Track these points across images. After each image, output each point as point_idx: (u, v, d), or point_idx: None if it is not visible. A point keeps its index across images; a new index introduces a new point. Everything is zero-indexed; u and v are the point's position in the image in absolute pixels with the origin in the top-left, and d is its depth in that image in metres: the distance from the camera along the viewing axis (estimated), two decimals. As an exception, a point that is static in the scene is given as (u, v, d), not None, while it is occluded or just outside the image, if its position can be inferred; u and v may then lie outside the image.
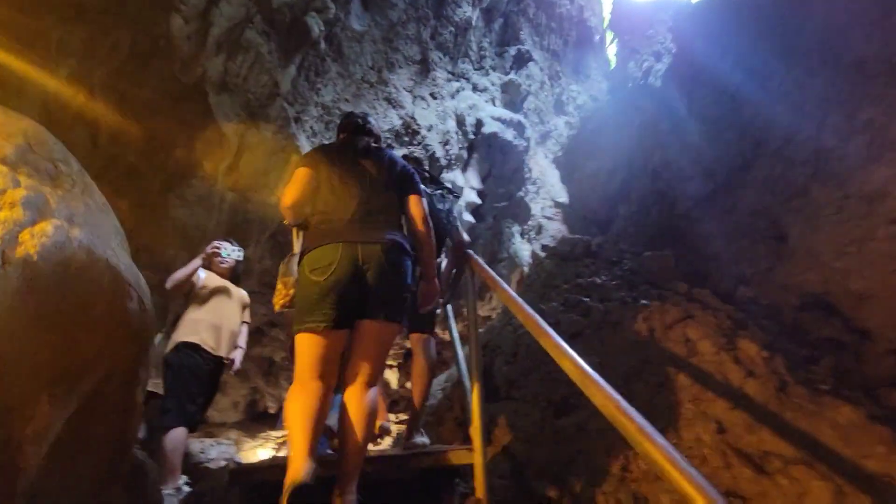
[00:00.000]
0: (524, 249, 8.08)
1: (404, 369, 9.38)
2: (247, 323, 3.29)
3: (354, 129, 2.00)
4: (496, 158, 7.25)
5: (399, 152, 6.40)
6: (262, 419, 7.53)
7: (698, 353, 2.45)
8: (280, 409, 4.11)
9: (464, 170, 7.23)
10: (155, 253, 4.63)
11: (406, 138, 6.41)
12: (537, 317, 1.48)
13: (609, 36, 13.50)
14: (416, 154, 6.48)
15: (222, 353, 2.91)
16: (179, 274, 2.89)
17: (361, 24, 5.74)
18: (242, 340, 3.18)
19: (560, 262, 3.83)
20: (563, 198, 7.93)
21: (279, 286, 1.85)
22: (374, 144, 1.99)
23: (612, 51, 13.25)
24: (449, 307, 2.97)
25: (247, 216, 4.77)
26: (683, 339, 2.56)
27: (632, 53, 11.72)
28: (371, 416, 1.60)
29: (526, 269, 7.45)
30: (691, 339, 2.54)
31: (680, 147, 4.95)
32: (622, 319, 2.77)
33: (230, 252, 3.13)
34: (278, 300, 1.84)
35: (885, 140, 3.22)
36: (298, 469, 1.35)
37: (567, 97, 10.83)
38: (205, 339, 2.82)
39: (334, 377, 1.63)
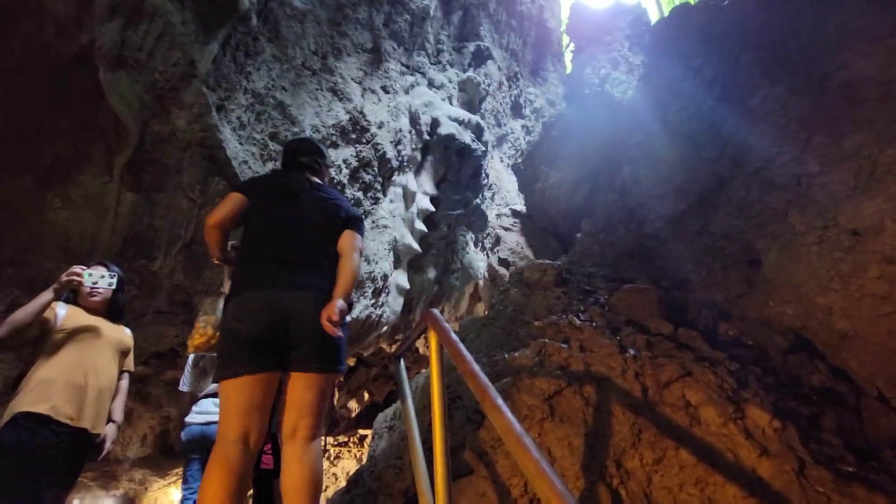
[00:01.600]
0: (479, 260, 7.67)
1: (344, 387, 8.70)
2: (129, 373, 2.55)
3: (295, 163, 1.96)
4: (452, 162, 6.76)
5: (346, 151, 5.72)
6: (174, 454, 6.55)
7: (702, 421, 2.06)
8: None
9: (417, 173, 6.67)
10: (26, 267, 3.68)
11: (353, 135, 5.74)
12: (493, 393, 1.00)
13: (565, 40, 13.44)
14: (364, 154, 5.83)
15: (86, 423, 2.17)
16: (21, 314, 2.11)
17: (304, 2, 5.00)
18: (119, 407, 2.44)
19: (527, 290, 3.37)
20: (521, 206, 7.59)
21: (199, 325, 2.11)
22: (316, 180, 1.93)
23: (568, 56, 13.20)
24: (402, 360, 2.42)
25: (152, 223, 3.93)
26: (683, 404, 2.15)
27: (588, 59, 11.68)
28: (316, 477, 1.51)
29: (481, 281, 7.05)
30: (692, 404, 2.15)
31: (651, 162, 4.67)
32: (609, 374, 2.33)
33: (97, 279, 2.36)
34: (196, 341, 2.07)
35: (875, 170, 3.03)
36: None
37: (525, 100, 10.56)
38: (58, 407, 2.08)
39: (260, 433, 1.53)
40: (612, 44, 11.10)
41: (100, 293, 2.41)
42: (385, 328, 6.40)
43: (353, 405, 8.82)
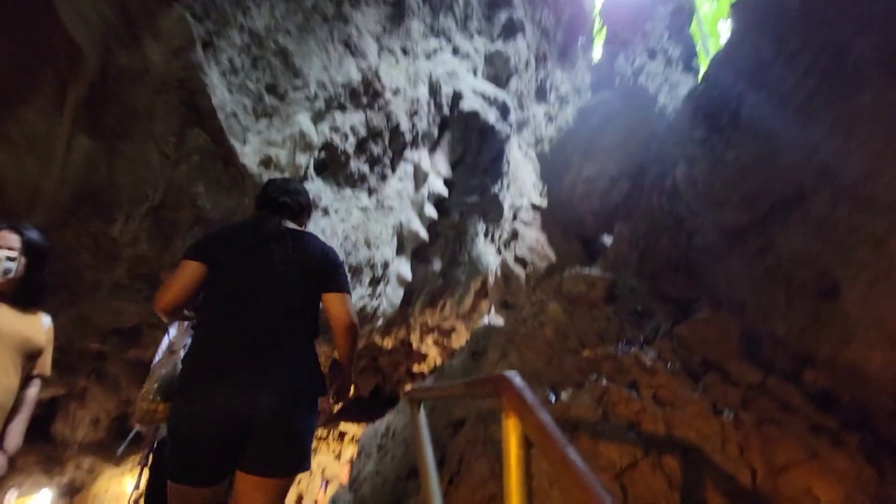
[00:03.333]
0: (488, 254, 7.05)
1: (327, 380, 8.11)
2: (41, 378, 1.92)
3: (272, 203, 1.72)
4: (472, 143, 6.07)
5: (354, 117, 5.02)
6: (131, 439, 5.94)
7: None
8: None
9: (431, 151, 5.99)
10: (-52, 217, 2.98)
11: (364, 99, 5.03)
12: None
13: (598, 24, 12.64)
14: (375, 122, 5.13)
15: None
16: None
17: (321, -70, 4.26)
18: (16, 429, 1.80)
19: (569, 306, 2.74)
20: (538, 200, 6.95)
21: (145, 391, 1.67)
22: (290, 226, 1.68)
23: (599, 41, 12.41)
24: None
25: (113, 178, 3.23)
26: (811, 502, 1.53)
27: (622, 47, 10.94)
28: None
29: (491, 278, 6.45)
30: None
31: (713, 163, 4.03)
32: (701, 445, 1.72)
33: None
34: (140, 411, 1.64)
35: None
36: None
37: (550, 84, 9.84)
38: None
39: None
40: (650, 32, 10.37)
41: (-5, 272, 1.75)
42: (380, 321, 5.80)
43: (336, 398, 8.26)
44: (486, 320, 8.06)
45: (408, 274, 5.94)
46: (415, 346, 8.49)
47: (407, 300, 6.19)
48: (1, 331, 1.72)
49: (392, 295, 5.83)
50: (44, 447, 5.72)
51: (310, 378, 1.48)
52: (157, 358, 2.22)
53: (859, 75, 3.18)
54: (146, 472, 2.54)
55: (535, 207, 6.23)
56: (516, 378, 0.91)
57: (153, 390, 1.59)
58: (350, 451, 9.09)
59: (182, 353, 1.69)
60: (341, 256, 5.23)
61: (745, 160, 3.82)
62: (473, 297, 7.03)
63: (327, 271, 1.59)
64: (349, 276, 5.23)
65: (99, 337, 4.72)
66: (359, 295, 5.37)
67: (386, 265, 5.62)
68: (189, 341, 1.64)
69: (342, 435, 8.98)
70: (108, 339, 4.86)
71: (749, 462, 1.68)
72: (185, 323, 2.18)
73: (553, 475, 0.80)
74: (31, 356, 1.84)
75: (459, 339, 8.58)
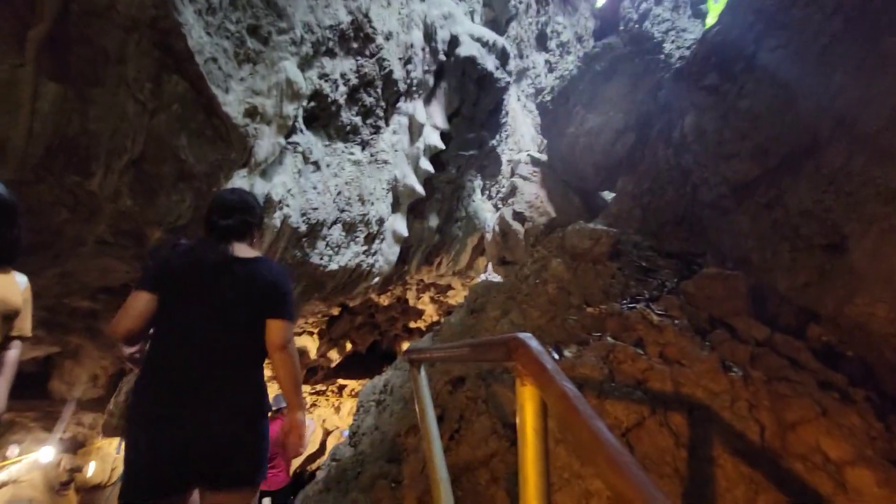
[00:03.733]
0: (485, 210, 6.91)
1: (325, 336, 8.15)
2: (19, 339, 1.81)
3: (217, 228, 1.67)
4: (469, 92, 5.78)
5: (344, 64, 4.71)
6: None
7: (850, 488, 1.43)
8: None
9: (427, 101, 5.70)
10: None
11: (355, 45, 4.71)
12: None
13: (603, -36, 11.85)
14: (366, 70, 4.83)
15: None
16: None
17: None
18: (1, 388, 1.71)
19: (572, 262, 2.66)
20: (538, 154, 6.73)
21: (114, 404, 1.90)
22: (238, 254, 1.63)
23: (603, -17, 11.67)
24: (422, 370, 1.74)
25: (86, 127, 3.02)
26: (820, 459, 1.51)
27: (629, -10, 10.33)
28: None
29: (488, 234, 6.34)
30: (833, 461, 1.50)
31: (724, 112, 3.84)
32: (709, 402, 1.68)
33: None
34: (110, 426, 2.08)
35: None
36: None
37: (552, 30, 9.32)
38: None
39: None
40: (660, -28, 9.77)
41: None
42: (376, 279, 5.73)
43: (334, 355, 8.35)
44: (483, 277, 8.03)
45: (403, 230, 5.82)
46: (411, 302, 8.50)
47: (403, 257, 6.10)
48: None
49: (388, 252, 5.74)
50: (41, 404, 5.76)
51: (255, 402, 1.59)
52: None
53: (889, 15, 2.96)
54: None
55: (534, 161, 6.04)
56: (532, 341, 0.82)
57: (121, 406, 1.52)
58: (349, 404, 9.31)
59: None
60: (334, 214, 5.09)
61: (758, 109, 3.63)
62: (470, 254, 6.96)
63: (273, 299, 1.63)
64: (343, 233, 5.11)
65: (88, 295, 4.63)
66: (354, 252, 5.27)
67: (381, 221, 5.48)
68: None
69: (341, 388, 9.17)
70: (97, 297, 4.78)
71: (758, 419, 1.65)
72: None
73: (575, 447, 0.72)
74: (6, 317, 1.73)
75: (456, 296, 8.60)
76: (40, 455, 6.21)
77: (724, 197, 3.96)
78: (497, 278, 8.88)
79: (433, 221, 6.31)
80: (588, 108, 5.26)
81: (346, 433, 8.22)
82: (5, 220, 1.75)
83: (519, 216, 5.56)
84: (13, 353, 1.81)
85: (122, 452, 1.54)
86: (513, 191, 5.82)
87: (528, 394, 0.78)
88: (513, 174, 6.71)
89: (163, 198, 3.61)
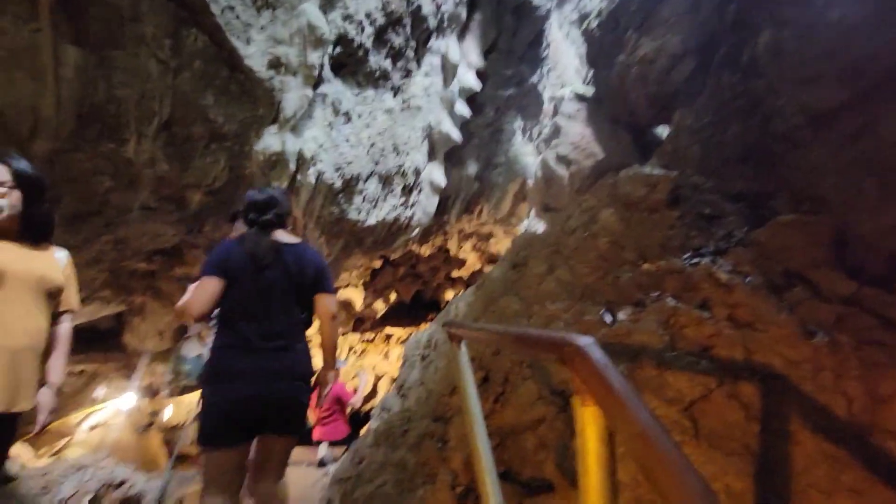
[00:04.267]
0: (527, 154, 6.53)
1: (370, 287, 8.30)
2: (69, 313, 1.85)
3: (258, 223, 2.02)
4: (506, 24, 5.27)
5: (370, 2, 4.35)
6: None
7: None
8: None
9: (460, 37, 5.26)
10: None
11: (379, -21, 4.32)
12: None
13: None
14: (393, 6, 4.45)
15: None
16: None
17: None
18: (56, 366, 1.77)
19: (626, 212, 2.43)
20: (584, 89, 6.17)
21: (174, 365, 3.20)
22: (283, 240, 1.99)
23: None
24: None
25: (112, 93, 2.97)
26: (925, 438, 1.29)
27: None
28: (283, 497, 2.17)
29: (530, 180, 6.02)
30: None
31: (808, 26, 3.26)
32: (786, 372, 1.49)
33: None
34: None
35: None
36: None
37: (598, -58, 8.22)
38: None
39: (236, 486, 1.80)
40: None
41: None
42: (415, 231, 5.64)
43: (379, 305, 8.54)
44: (525, 224, 7.79)
45: (441, 180, 5.62)
46: (452, 252, 8.44)
47: (442, 207, 5.95)
48: (15, 273, 1.62)
49: (426, 203, 5.59)
50: (118, 356, 6.29)
51: (305, 365, 1.96)
52: (184, 342, 2.70)
53: None
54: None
55: (579, 98, 5.55)
56: (594, 350, 0.66)
57: (184, 371, 2.09)
58: (396, 351, 9.65)
59: (209, 344, 2.12)
60: (369, 167, 4.94)
61: (852, 20, 3.04)
62: (512, 201, 6.69)
63: (318, 278, 1.99)
64: (380, 187, 4.98)
65: (143, 258, 4.84)
66: (391, 205, 5.16)
67: (417, 172, 5.30)
68: (213, 336, 1.98)
69: (388, 337, 9.49)
70: (152, 259, 4.99)
71: (845, 391, 1.44)
72: None
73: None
74: (51, 294, 1.76)
75: (497, 244, 8.43)
76: (122, 401, 6.92)
77: (801, 128, 3.45)
78: (541, 226, 8.59)
79: (471, 169, 6.05)
80: (641, 31, 4.66)
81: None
82: (34, 196, 1.73)
83: (563, 160, 5.20)
84: (65, 326, 1.86)
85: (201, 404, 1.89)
86: (556, 131, 5.41)
87: (589, 416, 0.64)
88: (555, 113, 6.22)
89: (197, 161, 3.58)
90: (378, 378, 10.31)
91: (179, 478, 3.60)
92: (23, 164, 1.70)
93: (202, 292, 1.84)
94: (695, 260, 2.03)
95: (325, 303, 2.00)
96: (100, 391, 6.51)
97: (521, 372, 2.17)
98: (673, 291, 1.90)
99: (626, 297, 2.01)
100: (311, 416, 4.70)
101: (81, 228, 3.74)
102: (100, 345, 6.22)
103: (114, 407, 6.93)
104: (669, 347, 1.61)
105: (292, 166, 4.03)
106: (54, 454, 6.13)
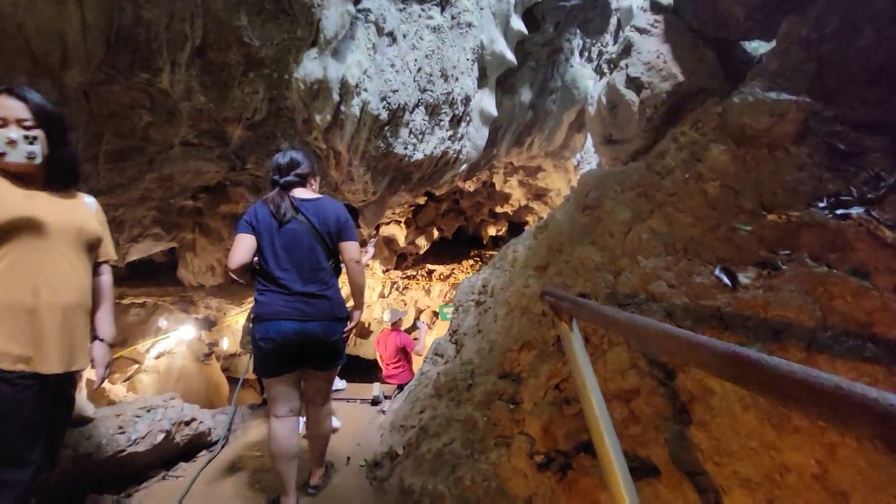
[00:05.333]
0: (585, 76, 5.83)
1: (412, 224, 8.10)
2: (107, 264, 1.72)
3: (279, 184, 2.33)
4: (573, -85, 4.41)
5: None
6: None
7: None
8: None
9: (518, -65, 4.48)
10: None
11: None
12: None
13: None
14: None
15: (52, 364, 1.42)
16: None
17: None
18: (105, 319, 1.66)
19: (740, 149, 2.03)
20: (658, -5, 5.26)
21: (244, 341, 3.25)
22: (303, 197, 2.30)
23: None
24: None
25: (140, 15, 2.66)
26: None
27: None
28: (326, 429, 2.49)
29: (591, 108, 5.41)
30: None
31: None
32: None
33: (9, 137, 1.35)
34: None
35: None
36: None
37: None
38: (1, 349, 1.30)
39: (293, 402, 2.26)
40: None
41: (16, 160, 1.39)
42: (463, 166, 5.27)
43: (422, 241, 8.39)
44: (579, 157, 7.21)
45: (492, 109, 5.12)
46: (497, 186, 8.03)
47: (491, 140, 5.49)
48: (55, 224, 1.46)
49: (475, 136, 5.15)
50: (175, 289, 6.52)
51: (336, 307, 2.24)
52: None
53: None
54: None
55: (654, 7, 4.74)
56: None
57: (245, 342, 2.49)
58: (438, 287, 9.66)
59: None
60: (416, 95, 4.51)
61: None
62: (566, 132, 6.10)
63: (341, 228, 2.25)
64: (427, 118, 4.57)
65: (189, 195, 4.77)
66: (438, 139, 4.77)
67: (467, 100, 4.81)
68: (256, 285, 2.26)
69: (430, 273, 9.46)
70: (198, 196, 4.92)
71: None
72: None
73: None
74: (91, 246, 1.62)
75: (546, 179, 7.94)
76: (183, 332, 7.32)
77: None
78: (592, 161, 7.92)
79: (525, 95, 5.46)
80: (747, -85, 3.79)
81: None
82: (58, 136, 1.52)
83: (633, 82, 4.55)
84: (105, 278, 1.73)
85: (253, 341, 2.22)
86: (626, 49, 4.70)
87: None
88: (622, 27, 5.41)
89: (235, 91, 3.29)
90: (419, 312, 10.48)
91: (242, 412, 3.73)
92: (41, 99, 1.48)
93: (236, 247, 2.18)
94: (841, 211, 1.64)
95: (348, 250, 2.27)
96: (162, 322, 6.88)
97: (607, 335, 1.93)
98: (810, 250, 1.55)
99: (747, 255, 1.67)
100: (381, 364, 5.18)
101: (126, 167, 3.62)
102: (157, 277, 6.45)
103: (176, 337, 7.37)
104: (823, 326, 1.31)
105: (335, 96, 3.68)
106: (126, 380, 6.67)
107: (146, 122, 3.24)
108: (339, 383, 4.20)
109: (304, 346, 2.14)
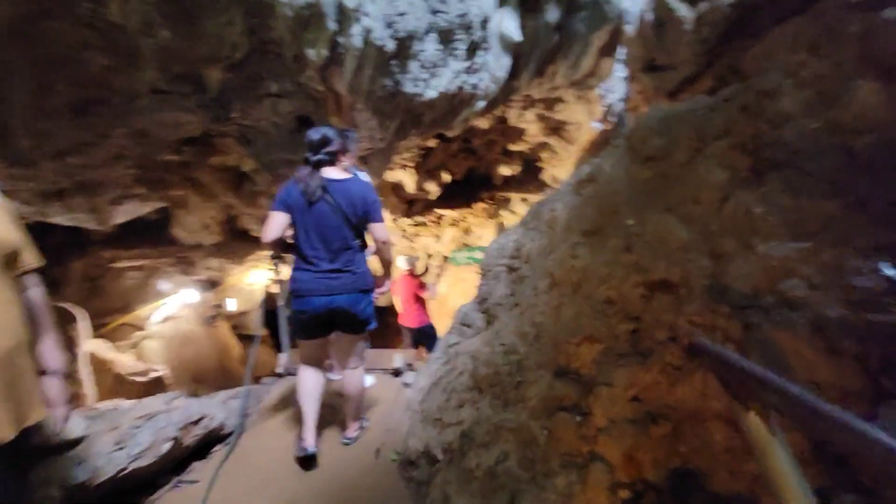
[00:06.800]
0: (620, -12, 4.95)
1: (422, 168, 7.48)
2: (33, 273, 1.30)
3: (310, 162, 2.41)
4: None
5: None
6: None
7: None
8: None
9: None
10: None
11: None
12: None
13: None
14: None
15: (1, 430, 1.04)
16: None
17: None
18: (48, 349, 1.27)
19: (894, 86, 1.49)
20: None
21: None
22: (332, 177, 2.40)
23: None
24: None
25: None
26: None
27: None
28: (358, 388, 2.72)
29: (629, 26, 4.61)
30: None
31: None
32: None
33: None
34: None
35: None
36: (308, 442, 2.50)
37: None
38: None
39: (320, 361, 2.64)
40: None
41: None
42: (480, 103, 4.62)
43: (431, 187, 7.81)
44: (604, 87, 6.43)
45: (514, 32, 4.37)
46: (511, 122, 7.31)
47: (513, 70, 4.76)
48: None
49: (495, 66, 4.44)
50: (171, 249, 6.13)
51: (362, 282, 2.46)
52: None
53: None
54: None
55: None
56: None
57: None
58: (449, 232, 9.22)
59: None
60: (426, 20, 3.79)
61: None
62: (595, 57, 5.32)
63: (368, 210, 2.42)
64: (439, 46, 3.87)
65: (172, 149, 4.20)
66: (453, 71, 4.09)
67: (485, 22, 4.07)
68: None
69: (440, 218, 8.98)
70: (182, 150, 4.35)
71: None
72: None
73: None
74: (8, 261, 1.17)
75: (566, 111, 7.19)
76: (185, 295, 7.03)
77: None
78: (617, 90, 7.08)
79: (551, 15, 4.63)
80: None
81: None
82: None
83: None
84: (35, 292, 1.29)
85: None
86: (678, -49, 3.88)
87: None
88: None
89: (206, 23, 2.65)
90: (430, 257, 10.14)
91: (255, 393, 3.47)
92: None
93: (269, 223, 2.36)
94: None
95: (375, 231, 2.46)
96: (163, 285, 6.58)
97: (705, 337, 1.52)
98: None
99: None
100: (403, 315, 5.61)
101: (91, 122, 3.06)
102: (150, 237, 6.02)
103: (179, 300, 7.09)
104: None
105: (331, 24, 3.02)
106: (132, 347, 6.46)
107: (102, 67, 2.64)
108: (369, 380, 4.18)
109: (334, 317, 2.43)
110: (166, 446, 2.26)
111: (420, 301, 5.43)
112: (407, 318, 5.45)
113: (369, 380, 4.15)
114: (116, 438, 2.09)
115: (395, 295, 5.61)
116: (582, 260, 2.34)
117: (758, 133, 1.80)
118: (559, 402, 1.90)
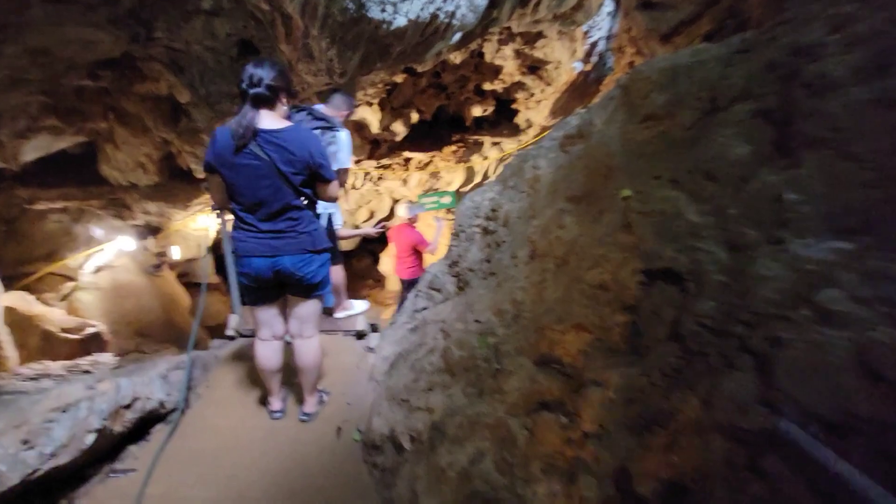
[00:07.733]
0: None
1: (387, 107, 6.85)
2: None
3: (247, 97, 2.01)
4: None
5: None
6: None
7: None
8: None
9: None
10: None
11: None
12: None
13: None
14: None
15: None
16: None
17: None
18: None
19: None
20: None
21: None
22: (264, 127, 2.01)
23: None
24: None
25: None
26: None
27: None
28: (313, 360, 2.51)
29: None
30: None
31: None
32: None
33: None
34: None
35: None
36: (275, 406, 2.59)
37: None
38: None
39: (276, 328, 2.44)
40: None
41: None
42: (456, 35, 4.08)
43: (398, 127, 7.23)
44: (590, 24, 5.92)
45: (496, -48, 3.79)
46: (487, 58, 6.72)
47: (493, 1, 4.20)
48: None
49: (473, -8, 3.89)
50: (101, 190, 5.45)
51: (312, 239, 2.23)
52: None
53: None
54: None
55: None
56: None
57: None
58: (416, 176, 8.77)
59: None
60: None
61: None
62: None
63: (312, 166, 2.09)
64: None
65: (85, 73, 3.53)
66: (423, 1, 3.53)
67: None
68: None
69: (407, 161, 8.46)
70: (97, 74, 3.66)
71: None
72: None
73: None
74: None
75: (545, 48, 6.65)
76: (121, 242, 6.38)
77: None
78: (603, 27, 6.53)
79: (540, -69, 4.03)
80: None
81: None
82: None
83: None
84: None
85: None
86: None
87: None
88: None
89: None
90: (395, 202, 9.70)
91: (202, 360, 3.17)
92: None
93: (211, 189, 2.24)
94: None
95: (324, 191, 2.22)
96: (95, 231, 5.89)
97: (731, 353, 1.37)
98: None
99: None
100: (397, 265, 5.49)
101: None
102: (75, 176, 5.29)
103: (115, 248, 6.42)
104: None
105: (276, -77, 2.43)
106: (62, 300, 5.86)
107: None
108: (361, 305, 4.06)
109: (278, 278, 2.23)
110: (90, 438, 1.97)
111: (417, 254, 5.28)
112: (401, 268, 5.36)
113: (361, 305, 4.04)
114: (24, 436, 1.78)
115: (392, 242, 5.46)
116: (569, 231, 2.11)
117: (790, 100, 1.54)
118: (541, 398, 1.72)
